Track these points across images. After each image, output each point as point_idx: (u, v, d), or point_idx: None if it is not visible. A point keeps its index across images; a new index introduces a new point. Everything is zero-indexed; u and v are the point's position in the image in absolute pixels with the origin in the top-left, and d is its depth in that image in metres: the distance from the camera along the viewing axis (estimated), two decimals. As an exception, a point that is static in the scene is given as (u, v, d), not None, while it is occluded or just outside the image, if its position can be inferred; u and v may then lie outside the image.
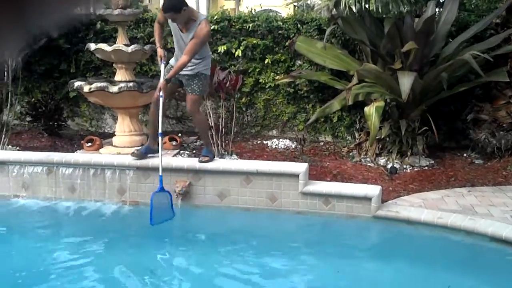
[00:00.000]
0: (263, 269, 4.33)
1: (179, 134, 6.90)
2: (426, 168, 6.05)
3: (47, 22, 0.55)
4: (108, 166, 5.35)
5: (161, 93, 5.01)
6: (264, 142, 7.06)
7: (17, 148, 6.56)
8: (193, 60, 4.99)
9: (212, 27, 7.16)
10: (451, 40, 6.60)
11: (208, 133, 5.67)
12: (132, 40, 6.75)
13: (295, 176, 4.99)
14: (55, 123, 7.23)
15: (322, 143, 7.12)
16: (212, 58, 7.10)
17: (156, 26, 5.27)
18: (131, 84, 5.98)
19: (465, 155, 6.50)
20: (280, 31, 7.15)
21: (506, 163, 6.05)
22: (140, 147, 5.48)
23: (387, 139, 6.21)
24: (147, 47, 6.20)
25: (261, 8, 10.76)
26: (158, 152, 5.21)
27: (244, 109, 7.45)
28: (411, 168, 6.01)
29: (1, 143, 6.23)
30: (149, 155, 5.31)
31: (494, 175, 5.82)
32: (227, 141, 6.24)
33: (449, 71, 5.98)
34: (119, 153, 5.84)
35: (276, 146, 6.88)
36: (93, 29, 7.48)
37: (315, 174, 5.57)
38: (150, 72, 7.35)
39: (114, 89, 5.89)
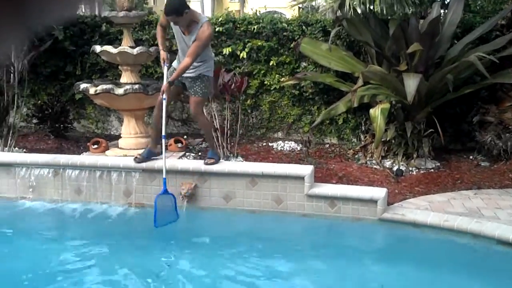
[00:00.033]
0: (268, 272, 4.32)
1: (185, 136, 6.92)
2: (432, 170, 6.04)
3: (48, 20, 0.54)
4: (114, 168, 5.36)
5: (164, 96, 5.02)
6: (270, 144, 7.07)
7: (24, 150, 6.58)
8: (195, 63, 5.00)
9: (217, 29, 7.18)
10: (456, 41, 6.59)
11: (212, 135, 5.68)
12: (137, 42, 6.76)
13: (301, 178, 4.99)
14: (61, 125, 7.25)
15: (327, 145, 7.12)
16: (217, 60, 7.14)
17: (158, 29, 5.29)
18: (136, 86, 6.00)
19: (471, 157, 6.48)
20: (285, 33, 7.15)
21: (513, 165, 6.03)
22: (142, 151, 5.48)
23: (393, 141, 6.20)
24: (152, 49, 6.22)
25: (265, 9, 10.78)
26: (160, 155, 5.26)
27: (249, 111, 7.46)
28: (417, 170, 6.00)
29: (7, 145, 6.26)
30: (152, 158, 5.31)
31: (501, 178, 5.80)
32: (232, 143, 6.24)
33: (454, 73, 5.97)
34: (125, 155, 5.86)
35: (282, 148, 6.88)
36: (98, 31, 7.51)
37: (320, 177, 5.57)
38: (155, 74, 7.37)
39: (120, 91, 5.91)
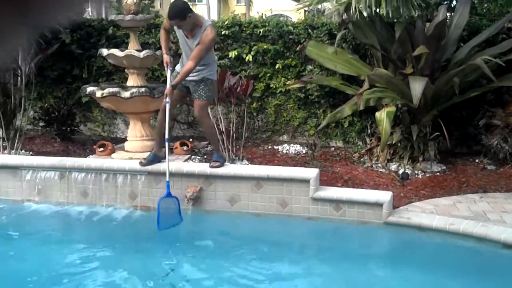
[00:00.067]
0: (272, 275, 4.32)
1: (190, 139, 6.93)
2: (437, 173, 6.02)
3: (54, 20, 0.55)
4: (120, 171, 5.38)
5: (167, 99, 5.04)
6: (275, 147, 7.07)
7: (30, 153, 6.62)
8: (198, 67, 5.01)
9: (223, 32, 7.20)
10: (462, 44, 6.56)
11: (217, 138, 5.69)
12: (143, 46, 6.79)
13: (306, 181, 4.99)
14: (68, 128, 7.29)
15: (333, 149, 7.11)
16: (223, 63, 7.17)
17: (162, 33, 5.31)
18: (143, 89, 6.02)
19: (477, 160, 6.46)
20: (290, 36, 7.16)
21: (519, 168, 6.01)
22: (147, 155, 5.50)
23: (399, 144, 6.19)
24: (158, 52, 6.23)
25: (271, 13, 10.79)
26: (165, 158, 5.29)
27: (254, 114, 7.47)
28: (422, 173, 5.99)
29: (14, 148, 6.30)
30: (158, 161, 5.32)
31: (507, 181, 5.77)
32: (237, 146, 6.25)
33: (460, 76, 5.96)
34: (131, 158, 5.88)
35: (287, 151, 6.88)
36: (105, 34, 7.55)
37: (326, 180, 5.56)
38: (161, 78, 7.39)
39: (126, 94, 5.93)
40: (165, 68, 5.24)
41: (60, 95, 7.69)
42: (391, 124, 5.83)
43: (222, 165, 5.29)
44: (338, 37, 6.37)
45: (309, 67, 7.20)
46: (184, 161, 6.10)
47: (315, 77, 6.98)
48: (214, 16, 29.14)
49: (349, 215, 4.89)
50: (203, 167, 5.33)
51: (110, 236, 4.98)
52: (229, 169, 5.31)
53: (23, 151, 6.50)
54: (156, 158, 5.33)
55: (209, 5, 33.07)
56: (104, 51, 6.18)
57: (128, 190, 5.36)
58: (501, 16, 6.96)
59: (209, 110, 6.38)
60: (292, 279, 4.29)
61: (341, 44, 6.85)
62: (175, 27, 5.05)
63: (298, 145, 7.06)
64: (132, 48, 6.22)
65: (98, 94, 6.02)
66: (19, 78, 6.49)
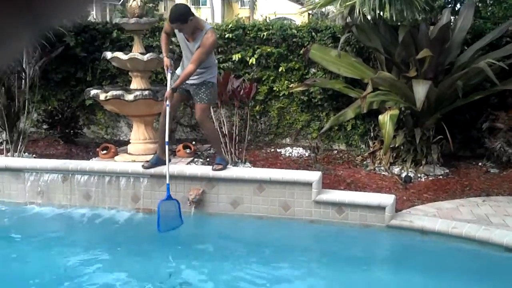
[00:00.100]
0: (274, 278, 4.31)
1: (193, 142, 6.94)
2: (440, 177, 6.00)
3: (57, 20, 0.55)
4: (123, 174, 5.39)
5: (167, 102, 5.06)
6: (278, 150, 7.07)
7: (34, 155, 6.64)
8: (198, 70, 5.02)
9: (227, 36, 7.22)
10: (466, 48, 6.55)
11: (219, 141, 5.69)
12: (147, 49, 6.81)
13: (309, 184, 4.98)
14: (71, 131, 7.32)
15: (335, 152, 7.11)
16: (226, 66, 7.18)
17: (162, 36, 5.33)
18: (146, 92, 6.03)
19: (480, 164, 6.44)
20: (294, 39, 7.17)
21: (523, 172, 5.99)
22: (151, 158, 5.51)
23: (402, 147, 6.18)
24: (162, 55, 6.25)
25: (275, 16, 10.81)
26: (168, 161, 5.32)
27: (258, 117, 7.47)
28: (425, 177, 5.97)
29: (17, 151, 6.32)
30: (161, 164, 5.33)
31: (510, 185, 5.75)
32: (240, 149, 6.25)
33: (464, 79, 5.94)
34: (134, 161, 5.89)
35: (290, 154, 6.88)
36: (109, 37, 7.58)
37: (328, 183, 5.56)
38: (165, 81, 7.33)
39: (130, 97, 5.94)
40: (165, 71, 5.26)
41: (64, 98, 7.72)
42: (394, 127, 5.83)
43: (224, 168, 5.29)
44: (341, 40, 6.37)
45: (313, 70, 7.21)
46: (187, 164, 6.11)
47: (319, 80, 6.98)
48: (218, 19, 29.22)
49: (352, 218, 4.88)
50: (206, 170, 5.34)
51: (112, 239, 4.99)
52: (232, 172, 5.31)
53: (26, 153, 6.52)
54: (159, 161, 5.33)
55: (213, 8, 33.17)
56: (108, 54, 6.20)
57: (131, 192, 5.37)
58: (505, 19, 6.96)
59: (212, 113, 6.41)
60: (294, 283, 4.28)
61: (345, 47, 6.85)
62: (176, 30, 5.06)
63: (301, 148, 7.06)
64: (136, 51, 6.23)
65: (102, 97, 6.03)
66: (23, 80, 6.52)
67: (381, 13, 6.58)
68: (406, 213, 4.91)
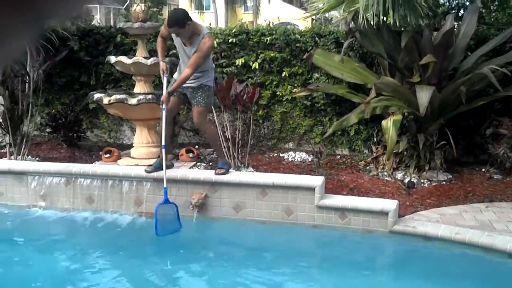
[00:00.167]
0: (276, 284, 4.30)
1: (196, 146, 6.94)
2: (444, 183, 5.99)
3: (55, 18, 0.55)
4: (126, 178, 5.39)
5: (163, 106, 5.08)
6: (281, 155, 7.07)
7: (37, 158, 6.65)
8: (195, 74, 5.05)
9: (230, 40, 7.24)
10: (470, 53, 6.55)
11: (219, 143, 5.71)
12: (151, 53, 6.81)
13: (311, 189, 4.98)
14: (75, 134, 7.33)
15: (338, 157, 7.10)
16: (229, 71, 7.19)
17: (159, 40, 5.34)
18: (149, 96, 6.05)
19: (483, 170, 6.43)
20: (297, 44, 7.17)
21: (526, 178, 5.97)
22: (153, 162, 5.51)
23: (405, 153, 6.17)
24: (166, 59, 6.26)
25: (279, 21, 10.82)
26: (172, 167, 5.46)
27: (261, 121, 7.47)
28: (428, 182, 5.96)
29: (21, 154, 6.33)
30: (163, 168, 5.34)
31: (514, 191, 5.74)
32: (243, 154, 6.25)
33: (467, 85, 5.94)
34: (137, 165, 5.89)
35: (293, 159, 6.88)
36: (113, 41, 7.60)
37: (331, 188, 5.55)
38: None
39: (133, 101, 5.96)
40: (162, 75, 5.29)
41: (67, 101, 7.74)
42: (397, 132, 5.82)
43: (227, 172, 5.30)
44: (345, 45, 6.38)
45: (316, 75, 7.21)
46: (190, 168, 6.11)
47: (322, 85, 6.98)
48: (222, 24, 29.26)
49: (355, 223, 4.87)
50: (209, 174, 5.34)
51: (115, 242, 4.99)
52: (235, 176, 5.31)
53: (29, 156, 6.53)
54: (162, 165, 5.34)
55: (217, 13, 33.24)
56: (112, 58, 6.22)
57: (134, 196, 5.37)
58: (509, 25, 6.95)
59: (215, 117, 6.42)
60: (296, 287, 4.27)
61: (348, 53, 6.86)
62: (173, 35, 5.09)
63: (304, 153, 7.06)
64: (140, 56, 6.25)
65: (105, 100, 6.05)
66: (27, 84, 6.54)
67: (385, 19, 6.59)
68: (409, 219, 4.90)
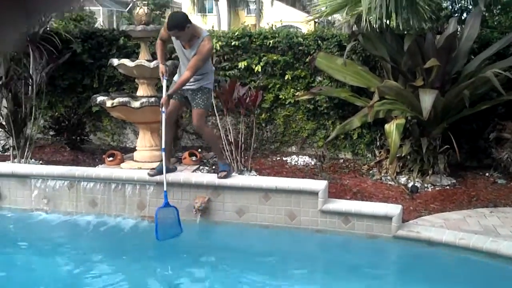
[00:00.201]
0: (280, 288, 4.30)
1: (199, 150, 6.93)
2: (447, 187, 5.97)
3: (48, 11, 0.60)
4: (129, 181, 5.39)
5: (163, 109, 5.08)
6: (284, 158, 7.06)
7: (40, 161, 6.66)
8: (195, 76, 5.07)
9: (233, 43, 7.24)
10: (473, 57, 6.53)
11: (219, 145, 5.71)
12: (154, 56, 6.81)
13: (315, 193, 4.97)
14: (78, 137, 7.33)
15: (342, 160, 7.09)
16: (232, 74, 7.19)
17: (158, 43, 5.35)
18: (152, 99, 6.05)
19: (487, 174, 6.41)
20: (300, 47, 7.17)
21: (530, 183, 5.95)
22: (156, 165, 5.51)
23: (408, 157, 6.16)
24: (169, 62, 6.25)
25: (281, 24, 10.82)
26: (175, 171, 5.45)
27: (263, 125, 7.47)
28: (432, 187, 5.94)
29: (24, 157, 6.33)
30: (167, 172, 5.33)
31: (518, 196, 5.72)
32: (246, 157, 6.24)
33: (471, 89, 5.92)
34: (140, 168, 5.89)
35: (296, 163, 6.87)
36: (116, 44, 7.60)
37: (334, 192, 5.54)
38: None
39: (136, 104, 5.96)
40: (161, 78, 5.29)
41: (70, 104, 7.74)
42: (401, 136, 5.81)
43: (229, 173, 5.29)
44: (347, 48, 6.37)
45: (319, 78, 7.20)
46: (193, 171, 6.11)
47: (325, 89, 6.97)
48: (225, 27, 29.30)
49: (358, 228, 4.85)
50: (212, 178, 5.33)
51: (118, 246, 4.98)
52: (238, 180, 5.30)
53: (33, 160, 6.54)
54: (166, 169, 5.33)
55: (219, 16, 33.29)
56: (115, 61, 6.22)
57: (137, 200, 5.37)
58: (512, 29, 6.93)
59: (218, 121, 6.41)
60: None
61: (351, 56, 6.85)
62: (172, 38, 5.10)
63: (307, 157, 7.05)
64: (143, 58, 6.26)
65: (108, 103, 6.05)
66: (30, 87, 6.55)
67: (388, 22, 6.58)
68: (413, 224, 4.89)
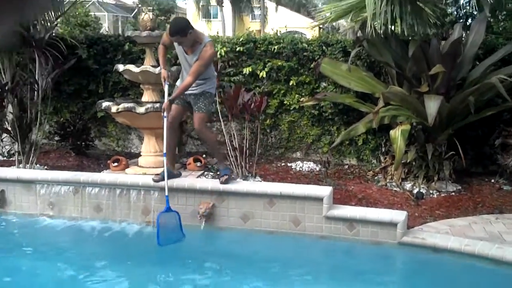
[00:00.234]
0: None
1: (204, 155, 6.94)
2: (453, 193, 5.95)
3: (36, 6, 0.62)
4: (134, 187, 5.39)
5: (164, 114, 5.09)
6: (288, 164, 7.05)
7: (45, 167, 6.67)
8: (198, 81, 5.12)
9: (238, 49, 7.25)
10: (478, 63, 6.52)
11: (219, 149, 5.72)
12: (159, 62, 6.83)
13: (319, 199, 4.96)
14: (83, 143, 7.35)
15: (346, 166, 7.08)
16: (237, 80, 7.20)
17: (160, 48, 5.37)
18: (157, 105, 6.06)
19: (493, 180, 6.39)
20: (305, 53, 7.18)
21: (536, 189, 5.92)
22: (161, 171, 5.51)
23: (413, 163, 6.14)
24: (173, 68, 6.28)
25: (286, 29, 10.84)
26: (179, 176, 5.48)
27: (268, 130, 7.47)
28: (437, 193, 5.93)
29: (29, 162, 6.34)
30: (171, 177, 5.33)
31: (523, 202, 5.69)
32: (251, 163, 6.24)
33: (476, 95, 5.91)
34: (145, 173, 5.90)
35: (300, 169, 6.86)
36: (121, 50, 7.63)
37: (339, 198, 5.53)
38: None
39: (141, 109, 5.97)
40: (163, 83, 5.31)
41: (75, 109, 7.77)
42: (406, 142, 5.80)
43: (230, 177, 5.29)
44: (352, 54, 6.37)
45: (323, 84, 7.21)
46: (197, 177, 6.11)
47: (329, 94, 6.97)
48: (229, 33, 29.36)
49: (363, 234, 4.84)
50: (216, 184, 5.32)
51: (123, 252, 4.97)
52: (242, 186, 5.30)
53: (38, 165, 6.55)
54: (170, 174, 5.33)
55: (224, 21, 33.36)
56: (120, 67, 6.24)
57: (141, 205, 5.37)
58: (518, 35, 6.92)
59: (223, 126, 6.41)
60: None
61: (356, 62, 6.85)
62: (175, 43, 5.12)
63: (312, 163, 7.04)
64: (148, 64, 6.28)
65: (114, 109, 6.07)
66: (35, 92, 6.57)
67: (392, 28, 6.58)
68: (418, 230, 4.87)
